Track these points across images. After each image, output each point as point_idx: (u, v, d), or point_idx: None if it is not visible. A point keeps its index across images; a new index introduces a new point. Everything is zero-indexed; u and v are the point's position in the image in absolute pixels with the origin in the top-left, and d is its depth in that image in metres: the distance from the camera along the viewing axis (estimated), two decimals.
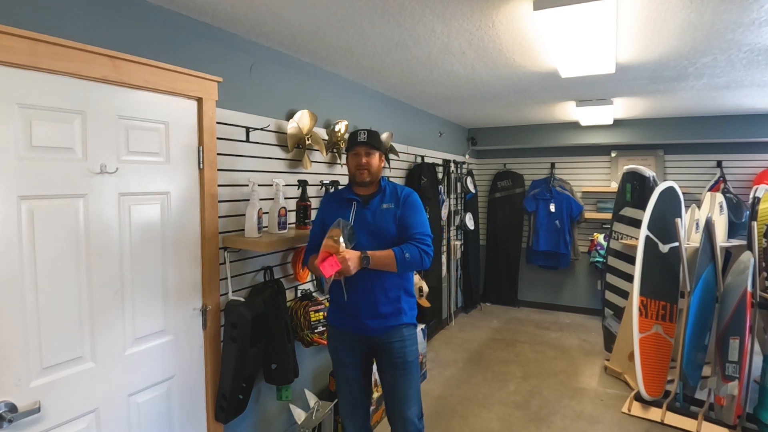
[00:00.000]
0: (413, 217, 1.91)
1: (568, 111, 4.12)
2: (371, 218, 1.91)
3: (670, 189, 3.29)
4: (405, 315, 1.96)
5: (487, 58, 2.44)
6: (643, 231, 3.17)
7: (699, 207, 3.76)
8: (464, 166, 5.09)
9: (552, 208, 5.10)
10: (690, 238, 3.51)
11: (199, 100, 1.88)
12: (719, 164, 4.56)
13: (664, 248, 3.21)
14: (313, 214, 2.32)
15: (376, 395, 2.78)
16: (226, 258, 2.03)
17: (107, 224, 1.57)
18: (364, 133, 1.92)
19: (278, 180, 2.19)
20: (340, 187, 2.41)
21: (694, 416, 2.84)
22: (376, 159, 1.94)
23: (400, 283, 1.94)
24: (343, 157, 2.85)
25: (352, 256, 1.73)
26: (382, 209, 1.92)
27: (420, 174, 3.80)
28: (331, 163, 2.78)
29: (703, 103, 3.67)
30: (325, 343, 2.37)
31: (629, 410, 3.04)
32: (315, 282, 2.65)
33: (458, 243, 4.91)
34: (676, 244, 3.17)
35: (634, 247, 3.33)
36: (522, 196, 5.42)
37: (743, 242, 3.44)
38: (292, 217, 2.38)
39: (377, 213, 1.92)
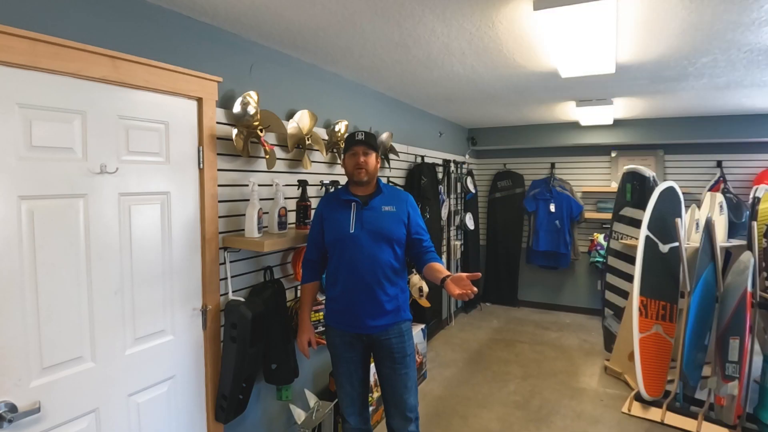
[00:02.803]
0: (422, 224, 2.05)
1: (568, 111, 4.12)
2: (372, 219, 1.95)
3: (670, 189, 3.29)
4: (403, 311, 2.02)
5: (487, 58, 2.44)
6: (643, 231, 3.17)
7: (699, 207, 3.76)
8: (464, 166, 5.09)
9: (552, 208, 5.10)
10: (690, 238, 3.51)
11: (199, 100, 1.87)
12: (719, 164, 4.56)
13: (664, 248, 3.21)
14: (313, 215, 2.31)
15: (376, 395, 2.78)
16: (226, 258, 2.03)
17: (107, 224, 1.57)
18: (362, 134, 1.99)
19: (278, 180, 2.19)
20: (338, 187, 2.41)
21: (694, 416, 2.84)
22: (373, 159, 2.00)
23: (396, 279, 1.99)
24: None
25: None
26: (383, 211, 1.97)
27: (420, 174, 3.80)
28: (331, 163, 2.78)
29: (703, 103, 3.67)
30: (325, 342, 2.37)
31: (629, 410, 3.04)
32: None
33: (458, 243, 4.91)
34: (676, 244, 3.17)
35: (634, 247, 3.33)
36: (522, 196, 5.42)
37: (743, 242, 3.44)
38: (292, 217, 2.37)
39: (379, 214, 1.96)
